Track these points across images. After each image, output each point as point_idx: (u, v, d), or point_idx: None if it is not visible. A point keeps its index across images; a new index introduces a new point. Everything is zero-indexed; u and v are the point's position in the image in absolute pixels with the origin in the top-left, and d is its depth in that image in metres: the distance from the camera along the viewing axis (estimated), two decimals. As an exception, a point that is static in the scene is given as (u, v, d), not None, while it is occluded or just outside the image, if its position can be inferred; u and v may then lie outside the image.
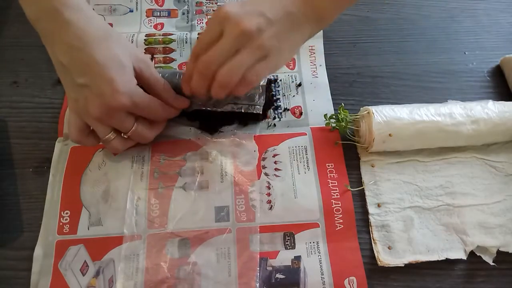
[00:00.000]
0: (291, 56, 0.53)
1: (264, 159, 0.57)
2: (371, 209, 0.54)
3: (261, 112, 0.58)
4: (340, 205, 0.54)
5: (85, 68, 0.46)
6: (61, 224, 0.52)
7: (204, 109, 0.57)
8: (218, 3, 0.71)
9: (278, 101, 0.62)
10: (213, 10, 0.70)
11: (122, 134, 0.51)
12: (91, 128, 0.50)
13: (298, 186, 0.55)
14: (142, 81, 0.51)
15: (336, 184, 0.56)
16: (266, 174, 0.56)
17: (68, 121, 0.51)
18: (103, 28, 0.48)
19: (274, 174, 0.56)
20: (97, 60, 0.45)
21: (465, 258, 0.52)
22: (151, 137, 0.54)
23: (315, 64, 0.66)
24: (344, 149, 0.59)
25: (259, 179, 0.56)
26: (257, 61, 0.47)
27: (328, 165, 0.57)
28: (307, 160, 0.57)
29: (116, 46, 0.48)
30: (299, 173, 0.56)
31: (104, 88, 0.45)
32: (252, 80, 0.48)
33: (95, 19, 0.48)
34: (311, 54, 0.67)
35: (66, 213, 0.52)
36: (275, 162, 0.57)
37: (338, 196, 0.55)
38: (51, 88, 0.62)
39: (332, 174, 0.56)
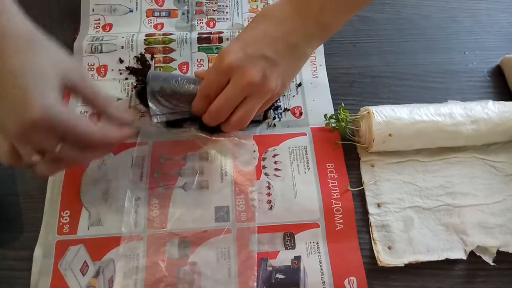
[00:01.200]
0: (291, 80, 0.58)
1: (264, 159, 0.57)
2: (371, 209, 0.55)
3: (261, 119, 0.59)
4: (340, 205, 0.54)
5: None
6: (61, 224, 0.52)
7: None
8: (218, 3, 0.71)
9: (278, 101, 0.62)
10: (213, 10, 0.70)
11: (46, 156, 0.43)
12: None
13: (298, 186, 0.55)
14: (77, 96, 0.46)
15: (336, 184, 0.56)
16: (266, 174, 0.56)
17: None
18: (27, 30, 0.42)
19: (274, 174, 0.56)
20: (10, 67, 0.39)
21: (465, 258, 0.52)
22: (84, 161, 0.47)
23: (315, 64, 0.66)
24: (344, 149, 0.59)
25: (259, 179, 0.55)
26: (264, 101, 0.52)
27: (328, 165, 0.57)
28: (307, 160, 0.57)
29: (39, 53, 0.41)
30: (299, 173, 0.56)
31: (15, 100, 0.39)
32: (257, 116, 0.55)
33: (19, 19, 0.41)
34: (311, 54, 0.67)
35: (66, 213, 0.52)
36: (275, 162, 0.57)
37: (338, 196, 0.55)
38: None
39: (332, 174, 0.56)
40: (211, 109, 0.51)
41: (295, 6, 0.50)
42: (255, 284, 0.49)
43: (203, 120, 0.54)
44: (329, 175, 0.56)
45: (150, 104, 0.53)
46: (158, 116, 0.53)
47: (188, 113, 0.55)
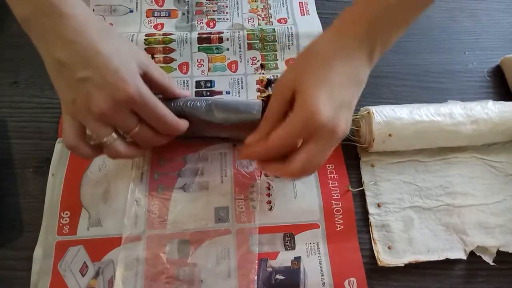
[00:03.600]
0: None
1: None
2: (371, 209, 0.54)
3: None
4: (340, 205, 0.54)
5: (87, 60, 0.42)
6: (60, 224, 0.52)
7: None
8: (218, 3, 0.71)
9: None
10: (213, 10, 0.70)
11: (125, 135, 0.48)
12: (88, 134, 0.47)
13: (298, 186, 0.55)
14: (147, 78, 0.48)
15: (337, 184, 0.56)
16: (266, 175, 0.56)
17: (62, 127, 0.46)
18: (102, 22, 0.46)
19: (274, 176, 0.56)
20: (101, 51, 0.42)
21: (465, 258, 0.52)
22: (155, 141, 0.49)
23: (315, 64, 0.66)
24: (344, 149, 0.58)
25: (259, 180, 0.55)
26: None
27: (328, 166, 0.57)
28: None
29: (118, 40, 0.45)
30: None
31: (110, 78, 0.42)
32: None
33: (93, 15, 0.45)
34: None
35: (66, 214, 0.52)
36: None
37: (339, 197, 0.55)
38: (51, 88, 0.61)
39: (332, 175, 0.56)
40: (293, 171, 0.44)
41: (362, 36, 0.45)
42: (256, 277, 0.49)
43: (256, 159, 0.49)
44: (329, 175, 0.56)
45: None
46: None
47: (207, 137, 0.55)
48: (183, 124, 0.50)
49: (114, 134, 0.46)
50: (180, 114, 0.50)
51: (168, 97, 0.52)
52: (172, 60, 0.65)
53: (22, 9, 0.43)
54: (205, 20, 0.69)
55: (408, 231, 0.53)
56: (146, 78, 0.48)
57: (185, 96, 0.53)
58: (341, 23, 0.46)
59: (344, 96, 0.44)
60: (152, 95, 0.46)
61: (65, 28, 0.42)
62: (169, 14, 0.70)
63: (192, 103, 0.52)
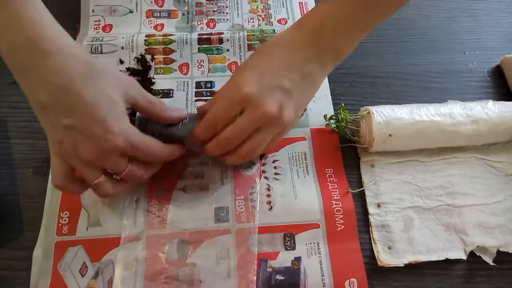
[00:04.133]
0: (303, 111, 0.55)
1: (264, 164, 0.57)
2: (371, 209, 0.54)
3: (258, 159, 0.57)
4: (340, 205, 0.54)
5: (71, 108, 0.40)
6: (60, 225, 0.52)
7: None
8: (218, 4, 0.71)
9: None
10: (213, 11, 0.70)
11: (114, 176, 0.46)
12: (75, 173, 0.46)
13: (298, 188, 0.55)
14: (139, 109, 0.47)
15: (336, 187, 0.56)
16: (266, 178, 0.56)
17: (51, 166, 0.45)
18: (86, 60, 0.42)
19: (274, 178, 0.56)
20: (84, 98, 0.40)
21: (465, 258, 0.52)
22: (145, 177, 0.48)
23: (315, 65, 0.66)
24: (344, 149, 0.58)
25: (259, 181, 0.55)
26: (276, 134, 0.49)
27: (328, 170, 0.57)
28: (306, 165, 0.57)
29: (103, 80, 0.42)
30: (298, 177, 0.56)
31: (95, 129, 0.41)
32: (267, 150, 0.53)
33: (76, 51, 0.42)
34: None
35: (65, 214, 0.52)
36: (274, 167, 0.57)
37: (339, 197, 0.55)
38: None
39: (331, 179, 0.56)
40: (221, 138, 0.47)
41: (308, 33, 0.48)
42: (255, 278, 0.49)
43: (206, 150, 0.49)
44: (328, 179, 0.56)
45: None
46: None
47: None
48: (178, 149, 0.50)
49: (102, 177, 0.45)
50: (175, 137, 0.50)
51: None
52: (172, 61, 0.65)
53: (0, 45, 0.40)
54: (205, 21, 0.69)
55: (408, 231, 0.53)
56: (136, 108, 0.47)
57: (181, 117, 0.50)
58: (301, 18, 0.50)
59: (277, 80, 0.46)
60: (142, 136, 0.45)
61: (45, 67, 0.39)
62: (169, 14, 0.70)
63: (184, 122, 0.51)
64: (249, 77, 0.46)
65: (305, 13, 0.71)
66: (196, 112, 0.52)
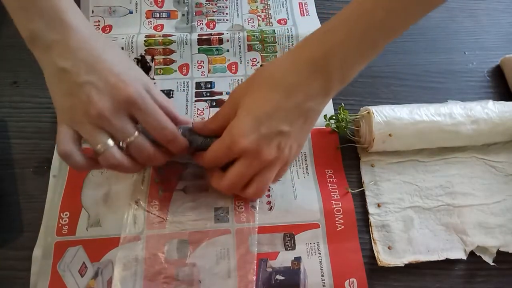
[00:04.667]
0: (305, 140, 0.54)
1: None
2: (371, 209, 0.54)
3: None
4: (340, 205, 0.54)
5: (91, 66, 0.43)
6: (60, 225, 0.51)
7: None
8: (218, 4, 0.71)
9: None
10: (213, 11, 0.71)
11: (120, 143, 0.45)
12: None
13: (298, 188, 0.55)
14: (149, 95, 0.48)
15: (336, 187, 0.56)
16: None
17: (57, 134, 0.44)
18: (108, 39, 0.48)
19: None
20: (105, 58, 0.44)
21: (465, 258, 0.52)
22: (151, 156, 0.47)
23: (315, 65, 0.66)
24: (344, 149, 0.58)
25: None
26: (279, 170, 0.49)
27: (327, 171, 0.57)
28: (306, 166, 0.57)
29: (123, 54, 0.48)
30: (298, 178, 0.56)
31: (112, 80, 0.43)
32: (276, 181, 0.54)
33: (98, 32, 0.48)
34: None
35: (66, 215, 0.52)
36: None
37: (339, 197, 0.55)
38: (51, 88, 0.62)
39: (331, 179, 0.56)
40: (223, 186, 0.49)
41: (316, 66, 0.45)
42: (254, 278, 0.49)
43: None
44: (328, 179, 0.56)
45: None
46: None
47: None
48: (182, 139, 0.49)
49: (109, 141, 0.44)
50: None
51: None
52: (172, 61, 0.65)
53: (33, 24, 0.43)
54: (205, 21, 0.69)
55: (408, 231, 0.53)
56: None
57: (187, 122, 0.51)
58: (298, 48, 0.48)
59: (275, 126, 0.45)
60: (152, 101, 0.46)
61: (73, 38, 0.43)
62: (169, 15, 0.70)
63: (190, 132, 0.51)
64: (246, 128, 0.45)
65: (304, 12, 0.71)
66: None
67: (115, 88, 0.43)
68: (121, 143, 0.45)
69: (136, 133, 0.45)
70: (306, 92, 0.45)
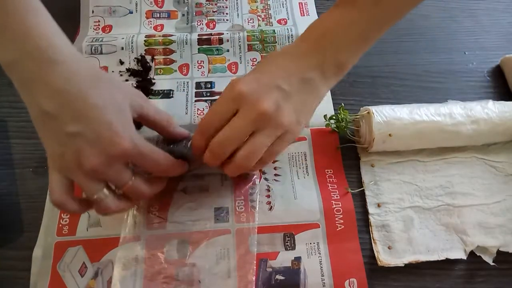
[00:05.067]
0: (308, 121, 0.51)
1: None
2: (371, 209, 0.54)
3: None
4: (340, 205, 0.54)
5: (77, 113, 0.39)
6: (60, 225, 0.52)
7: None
8: (218, 4, 0.71)
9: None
10: (213, 11, 0.71)
11: (117, 191, 0.44)
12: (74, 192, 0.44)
13: (298, 188, 0.55)
14: (144, 119, 0.46)
15: (336, 187, 0.56)
16: (266, 179, 0.56)
17: (49, 182, 0.42)
18: (93, 68, 0.43)
19: (274, 179, 0.56)
20: (92, 102, 0.40)
21: (465, 258, 0.52)
22: (148, 193, 0.46)
23: (315, 65, 0.66)
24: (344, 149, 0.58)
25: (259, 182, 0.55)
26: (275, 139, 0.46)
27: (327, 171, 0.57)
28: (306, 166, 0.57)
29: (110, 87, 0.42)
30: (298, 178, 0.56)
31: (103, 132, 0.40)
32: (269, 160, 0.49)
33: (82, 59, 0.42)
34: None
35: (66, 215, 0.52)
36: (274, 168, 0.57)
37: (338, 197, 0.55)
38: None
39: (331, 179, 0.56)
40: (213, 143, 0.45)
41: (311, 45, 0.47)
42: (254, 278, 0.49)
43: (203, 161, 0.47)
44: (328, 179, 0.56)
45: None
46: None
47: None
48: (183, 164, 0.49)
49: (105, 191, 0.43)
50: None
51: (167, 138, 0.50)
52: (172, 61, 0.65)
53: (6, 53, 0.39)
54: (205, 21, 0.69)
55: (408, 231, 0.53)
56: (142, 118, 0.46)
57: (183, 136, 0.49)
58: (304, 33, 0.50)
59: (274, 80, 0.46)
60: (146, 142, 0.44)
61: (53, 75, 0.39)
62: (169, 15, 0.70)
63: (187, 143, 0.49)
64: (246, 78, 0.46)
65: (304, 12, 0.71)
66: None
67: (109, 143, 0.40)
68: (117, 190, 0.44)
69: (131, 180, 0.43)
70: (308, 63, 0.47)
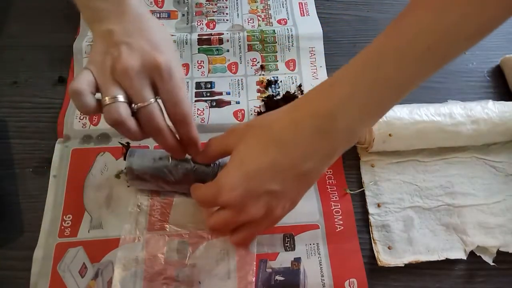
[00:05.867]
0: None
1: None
2: (371, 209, 0.54)
3: None
4: (339, 207, 0.54)
5: (134, 30, 0.43)
6: (62, 227, 0.51)
7: None
8: (218, 4, 0.71)
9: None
10: (213, 11, 0.71)
11: (133, 105, 0.42)
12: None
13: None
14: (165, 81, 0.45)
15: (335, 189, 0.56)
16: None
17: (76, 74, 0.46)
18: (147, 11, 0.47)
19: None
20: (151, 26, 0.45)
21: (465, 258, 0.52)
22: (160, 123, 0.43)
23: (315, 66, 0.66)
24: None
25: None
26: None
27: (327, 172, 0.57)
28: None
29: (168, 36, 0.48)
30: None
31: (146, 46, 0.43)
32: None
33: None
34: (311, 56, 0.67)
35: (68, 217, 0.52)
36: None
37: (337, 199, 0.55)
38: (51, 88, 0.62)
39: (330, 180, 0.56)
40: (207, 227, 0.47)
41: (311, 123, 0.41)
42: (254, 279, 0.49)
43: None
44: (327, 181, 0.56)
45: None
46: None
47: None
48: (194, 126, 0.46)
49: (120, 96, 0.41)
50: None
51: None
52: (172, 61, 0.65)
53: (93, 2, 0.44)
54: (205, 21, 0.69)
55: (408, 231, 0.53)
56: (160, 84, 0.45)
57: (194, 139, 0.47)
58: (299, 103, 0.44)
59: (264, 184, 0.42)
60: (177, 76, 0.44)
61: (128, 10, 0.44)
62: (169, 15, 0.70)
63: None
64: (233, 180, 0.42)
65: (304, 12, 0.71)
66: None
67: (148, 53, 0.42)
68: (134, 105, 0.42)
69: (152, 100, 0.42)
70: (306, 151, 0.42)
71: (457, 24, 0.37)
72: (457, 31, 0.38)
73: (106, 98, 0.41)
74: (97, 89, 0.43)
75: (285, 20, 0.70)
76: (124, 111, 0.41)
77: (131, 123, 0.42)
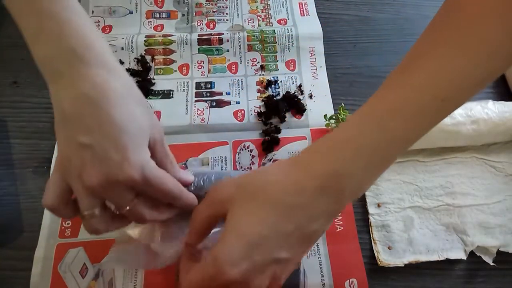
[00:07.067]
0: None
1: (263, 164, 0.57)
2: (371, 209, 0.54)
3: None
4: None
5: (94, 126, 0.36)
6: (63, 228, 0.52)
7: None
8: (218, 4, 0.71)
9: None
10: (213, 11, 0.71)
11: (114, 210, 0.40)
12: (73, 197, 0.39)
13: None
14: (152, 152, 0.41)
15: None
16: None
17: (47, 183, 0.39)
18: (127, 83, 0.39)
19: None
20: (114, 119, 0.36)
21: (465, 258, 0.52)
22: (149, 219, 0.41)
23: (315, 66, 0.66)
24: (344, 149, 0.58)
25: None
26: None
27: None
28: None
29: (137, 108, 0.39)
30: None
31: (113, 154, 0.36)
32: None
33: (118, 70, 0.39)
34: (311, 56, 0.67)
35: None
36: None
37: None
38: (50, 88, 0.62)
39: None
40: None
41: (319, 186, 0.37)
42: None
43: None
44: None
45: None
46: None
47: None
48: (193, 198, 0.44)
49: (98, 210, 0.38)
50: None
51: None
52: (172, 61, 0.65)
53: (41, 48, 0.38)
54: (205, 21, 0.69)
55: (408, 231, 0.53)
56: (151, 148, 0.41)
57: (187, 182, 0.45)
58: (304, 162, 0.39)
59: (271, 253, 0.37)
60: (158, 170, 0.39)
61: (83, 77, 0.37)
62: (169, 15, 0.70)
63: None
64: (235, 254, 0.36)
65: (304, 12, 0.71)
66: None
67: (115, 167, 0.36)
68: (114, 209, 0.41)
69: (133, 202, 0.39)
70: (312, 213, 0.38)
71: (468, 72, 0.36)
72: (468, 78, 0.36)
73: (84, 211, 0.38)
74: (72, 192, 0.39)
75: (285, 20, 0.70)
76: (103, 224, 0.39)
77: (113, 228, 0.41)
